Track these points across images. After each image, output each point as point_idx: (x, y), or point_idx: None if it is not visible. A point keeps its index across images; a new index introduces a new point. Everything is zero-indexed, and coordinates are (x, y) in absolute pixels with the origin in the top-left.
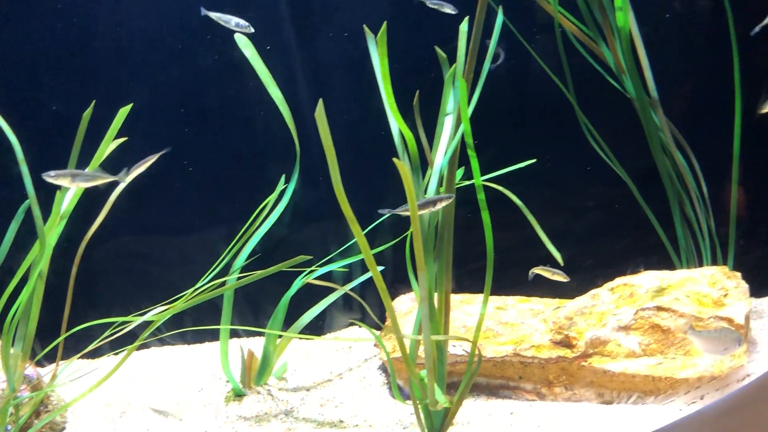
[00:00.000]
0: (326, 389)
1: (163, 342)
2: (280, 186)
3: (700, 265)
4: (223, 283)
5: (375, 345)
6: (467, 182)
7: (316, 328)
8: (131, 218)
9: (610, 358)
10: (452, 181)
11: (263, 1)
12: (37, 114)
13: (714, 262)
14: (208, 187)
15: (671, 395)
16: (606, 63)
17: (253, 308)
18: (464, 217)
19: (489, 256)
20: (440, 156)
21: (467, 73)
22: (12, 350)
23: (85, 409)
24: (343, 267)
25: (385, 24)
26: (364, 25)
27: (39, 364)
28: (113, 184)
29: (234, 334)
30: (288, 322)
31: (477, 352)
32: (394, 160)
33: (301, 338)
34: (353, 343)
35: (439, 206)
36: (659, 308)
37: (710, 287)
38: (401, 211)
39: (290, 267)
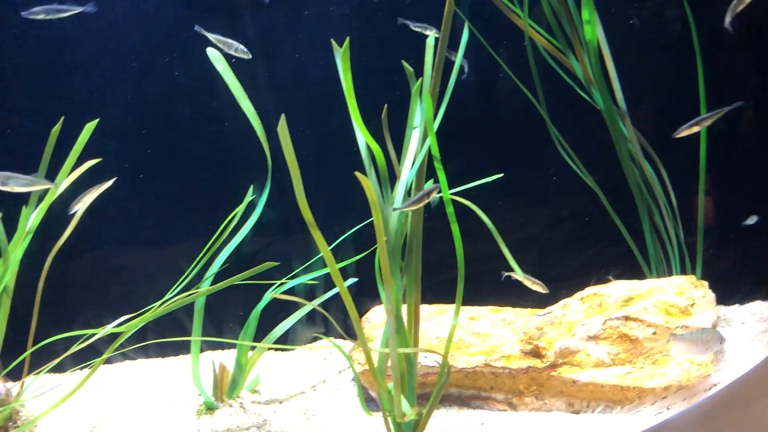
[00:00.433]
0: (300, 401)
1: (129, 356)
2: (248, 198)
3: (670, 273)
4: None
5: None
6: (436, 195)
7: (283, 341)
8: (99, 233)
9: (579, 368)
10: None
11: (233, 15)
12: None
13: (683, 271)
14: (176, 200)
15: (639, 405)
16: (575, 75)
17: (223, 322)
18: (439, 226)
19: (460, 268)
20: (407, 168)
21: (433, 87)
22: None
23: (54, 424)
24: (313, 279)
25: (348, 39)
26: (332, 39)
27: (5, 379)
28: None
29: (206, 347)
30: (260, 335)
31: (447, 363)
32: (357, 173)
33: (273, 349)
34: (327, 354)
35: (433, 197)
36: (627, 318)
37: (678, 296)
38: (406, 208)
39: (259, 278)
